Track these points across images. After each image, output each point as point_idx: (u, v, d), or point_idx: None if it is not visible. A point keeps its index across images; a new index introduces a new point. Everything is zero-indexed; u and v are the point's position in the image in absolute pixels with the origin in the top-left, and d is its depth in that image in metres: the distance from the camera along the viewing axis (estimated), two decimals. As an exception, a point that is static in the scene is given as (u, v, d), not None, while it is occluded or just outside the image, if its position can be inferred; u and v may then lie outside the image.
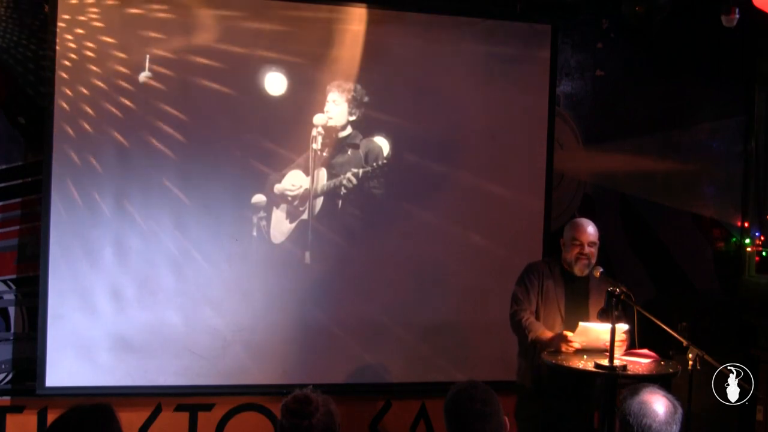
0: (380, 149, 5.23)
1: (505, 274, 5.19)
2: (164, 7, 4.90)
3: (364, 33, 5.16)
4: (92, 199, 4.82)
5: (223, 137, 4.98)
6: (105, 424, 2.46)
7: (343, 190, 5.19)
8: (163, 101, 4.90)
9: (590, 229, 4.33)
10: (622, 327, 4.08)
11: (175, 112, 4.93)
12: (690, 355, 3.86)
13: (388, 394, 5.32)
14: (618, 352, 4.00)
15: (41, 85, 4.81)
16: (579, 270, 4.32)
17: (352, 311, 5.19)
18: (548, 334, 4.22)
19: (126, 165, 4.86)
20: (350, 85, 5.16)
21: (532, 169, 5.44)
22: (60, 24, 4.75)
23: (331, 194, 5.17)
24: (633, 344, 4.24)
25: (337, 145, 5.18)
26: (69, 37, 4.77)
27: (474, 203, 5.36)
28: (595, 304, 4.24)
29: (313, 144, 5.13)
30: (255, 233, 5.06)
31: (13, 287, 4.85)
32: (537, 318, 4.32)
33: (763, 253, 5.73)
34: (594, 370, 3.94)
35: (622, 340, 4.09)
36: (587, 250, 4.29)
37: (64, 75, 4.77)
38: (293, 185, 5.12)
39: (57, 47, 4.75)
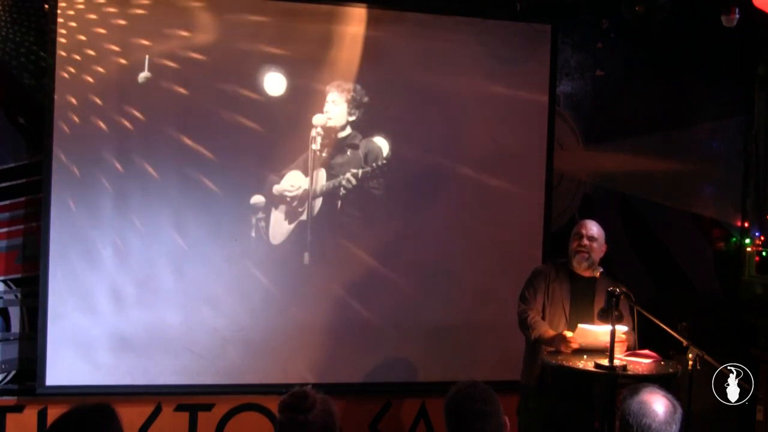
0: (380, 149, 5.22)
1: (506, 274, 5.22)
2: (164, 7, 4.90)
3: (363, 33, 5.16)
4: (92, 199, 4.83)
5: (222, 137, 4.98)
6: (106, 424, 2.46)
7: (343, 191, 5.18)
8: (162, 101, 4.90)
9: (591, 225, 4.40)
10: (622, 329, 4.09)
11: (174, 112, 4.93)
12: (690, 355, 3.87)
13: (388, 394, 5.32)
14: (618, 353, 4.01)
15: (41, 85, 4.81)
16: (577, 263, 4.35)
17: (351, 312, 5.19)
18: (550, 333, 4.25)
19: (125, 165, 4.86)
20: (350, 86, 5.16)
21: (532, 169, 5.44)
22: (60, 24, 4.75)
23: (330, 195, 5.17)
24: (635, 346, 4.25)
25: (336, 145, 5.17)
26: (69, 36, 4.77)
27: (474, 203, 5.36)
28: (600, 305, 4.25)
29: (312, 144, 5.13)
30: (254, 234, 5.06)
31: (14, 287, 4.85)
32: (543, 318, 4.34)
33: (763, 253, 5.73)
34: (594, 370, 3.94)
35: (621, 341, 4.09)
36: (585, 242, 4.33)
37: (64, 75, 4.77)
38: (292, 186, 5.11)
39: (57, 47, 4.75)
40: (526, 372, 4.46)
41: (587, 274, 4.39)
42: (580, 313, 4.32)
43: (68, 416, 2.44)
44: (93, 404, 2.51)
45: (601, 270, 4.32)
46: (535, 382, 4.36)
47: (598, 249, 4.37)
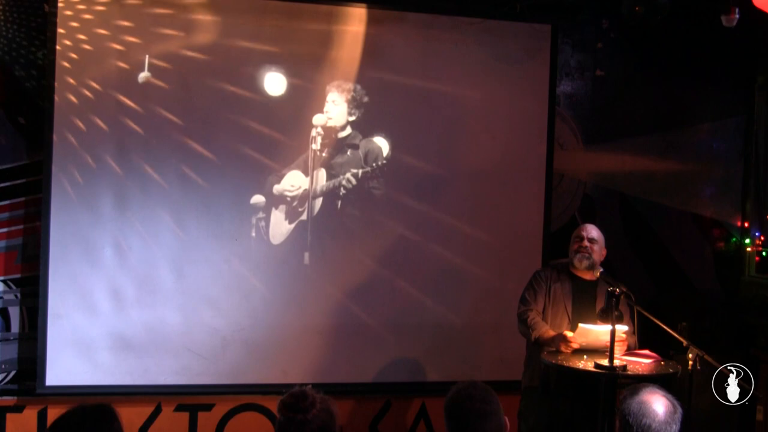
0: (380, 149, 5.22)
1: (505, 274, 5.22)
2: (164, 7, 4.90)
3: (363, 33, 5.16)
4: (92, 199, 4.83)
5: (223, 137, 4.98)
6: (106, 424, 2.45)
7: (343, 191, 5.18)
8: (162, 101, 4.90)
9: (592, 228, 4.43)
10: (622, 328, 4.08)
11: (174, 112, 4.93)
12: (690, 355, 3.86)
13: (388, 394, 5.32)
14: (618, 353, 4.01)
15: (41, 85, 4.81)
16: (578, 262, 4.36)
17: (351, 312, 5.18)
18: (550, 333, 4.25)
19: (125, 165, 4.86)
20: (350, 85, 5.16)
21: (532, 169, 5.44)
22: (60, 24, 4.75)
23: (330, 195, 5.17)
24: (636, 347, 4.25)
25: (336, 145, 5.17)
26: (69, 36, 4.77)
27: (474, 203, 5.36)
28: (602, 305, 4.25)
29: (312, 144, 5.13)
30: (254, 234, 5.06)
31: (14, 287, 4.85)
32: (544, 319, 4.34)
33: (763, 253, 5.73)
34: (594, 370, 3.94)
35: (621, 340, 4.09)
36: (586, 243, 4.36)
37: (64, 75, 4.77)
38: (292, 186, 5.11)
39: (57, 47, 4.75)
40: (527, 374, 4.46)
41: (588, 276, 4.39)
42: (582, 313, 4.32)
43: (69, 416, 2.44)
44: (93, 404, 2.51)
45: (602, 270, 4.32)
46: (537, 383, 4.36)
47: (599, 251, 4.39)
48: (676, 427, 2.55)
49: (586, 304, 4.36)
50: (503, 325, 4.89)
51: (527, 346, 4.47)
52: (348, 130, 5.19)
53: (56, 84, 4.75)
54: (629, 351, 4.21)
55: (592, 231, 4.42)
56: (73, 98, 4.78)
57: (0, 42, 4.79)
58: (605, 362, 3.92)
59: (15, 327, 4.85)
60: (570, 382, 4.19)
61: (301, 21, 5.07)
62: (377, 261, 5.22)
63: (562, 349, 4.16)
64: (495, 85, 5.36)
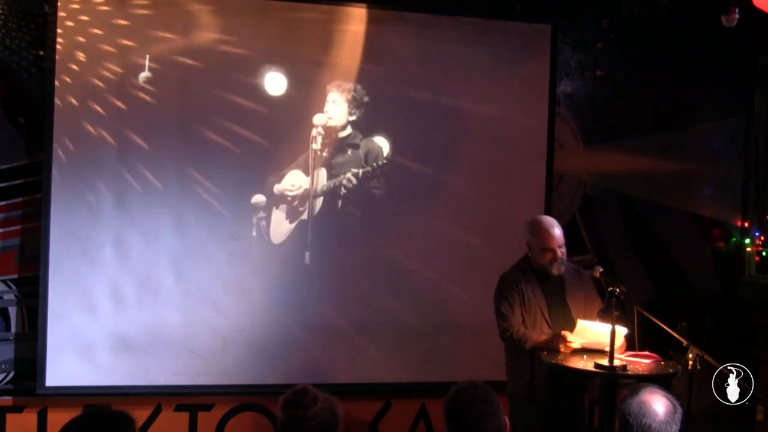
0: (380, 149, 5.23)
1: (505, 273, 5.20)
2: (164, 7, 4.90)
3: (363, 33, 5.16)
4: (92, 199, 4.83)
5: (223, 137, 4.98)
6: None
7: (343, 191, 5.19)
8: (162, 101, 4.90)
9: (556, 232, 4.26)
10: (622, 330, 4.07)
11: (174, 112, 4.93)
12: (690, 355, 3.87)
13: (388, 394, 5.32)
14: (617, 354, 4.00)
15: (41, 85, 4.80)
16: (556, 269, 4.27)
17: (351, 311, 5.19)
18: (543, 337, 4.21)
19: (125, 164, 4.86)
20: (350, 85, 5.16)
21: (532, 169, 5.44)
22: (60, 24, 4.75)
23: (330, 194, 5.17)
24: (633, 347, 4.24)
25: (337, 145, 5.18)
26: (69, 37, 4.77)
27: (474, 203, 5.36)
28: (573, 300, 4.26)
29: (312, 144, 5.13)
30: (255, 233, 5.06)
31: (14, 287, 4.85)
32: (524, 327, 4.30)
33: (763, 253, 5.73)
34: (594, 370, 3.93)
35: (621, 344, 4.06)
36: (559, 253, 4.24)
37: (64, 75, 4.77)
38: (293, 185, 5.12)
39: (57, 47, 4.75)
40: (511, 381, 4.35)
41: (560, 271, 4.31)
42: (558, 313, 4.26)
43: (84, 419, 2.41)
44: (111, 411, 2.49)
45: (601, 270, 4.27)
46: (525, 389, 4.28)
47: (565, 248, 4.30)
48: (676, 427, 2.55)
49: (559, 302, 4.29)
50: (503, 325, 4.88)
51: (507, 352, 4.37)
52: (348, 130, 5.19)
53: (56, 84, 4.75)
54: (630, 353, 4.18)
55: (558, 235, 4.25)
56: (73, 99, 4.78)
57: (0, 42, 4.79)
58: (605, 362, 3.91)
59: (15, 327, 4.84)
60: (568, 382, 4.18)
61: (301, 21, 5.07)
62: (378, 261, 5.22)
63: (562, 349, 4.14)
64: (495, 85, 5.36)
